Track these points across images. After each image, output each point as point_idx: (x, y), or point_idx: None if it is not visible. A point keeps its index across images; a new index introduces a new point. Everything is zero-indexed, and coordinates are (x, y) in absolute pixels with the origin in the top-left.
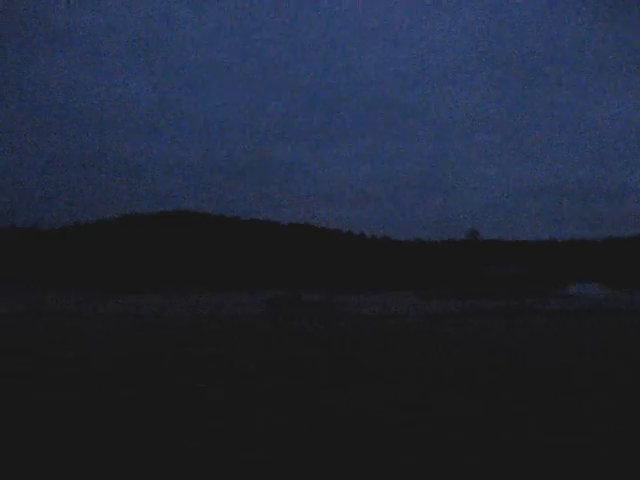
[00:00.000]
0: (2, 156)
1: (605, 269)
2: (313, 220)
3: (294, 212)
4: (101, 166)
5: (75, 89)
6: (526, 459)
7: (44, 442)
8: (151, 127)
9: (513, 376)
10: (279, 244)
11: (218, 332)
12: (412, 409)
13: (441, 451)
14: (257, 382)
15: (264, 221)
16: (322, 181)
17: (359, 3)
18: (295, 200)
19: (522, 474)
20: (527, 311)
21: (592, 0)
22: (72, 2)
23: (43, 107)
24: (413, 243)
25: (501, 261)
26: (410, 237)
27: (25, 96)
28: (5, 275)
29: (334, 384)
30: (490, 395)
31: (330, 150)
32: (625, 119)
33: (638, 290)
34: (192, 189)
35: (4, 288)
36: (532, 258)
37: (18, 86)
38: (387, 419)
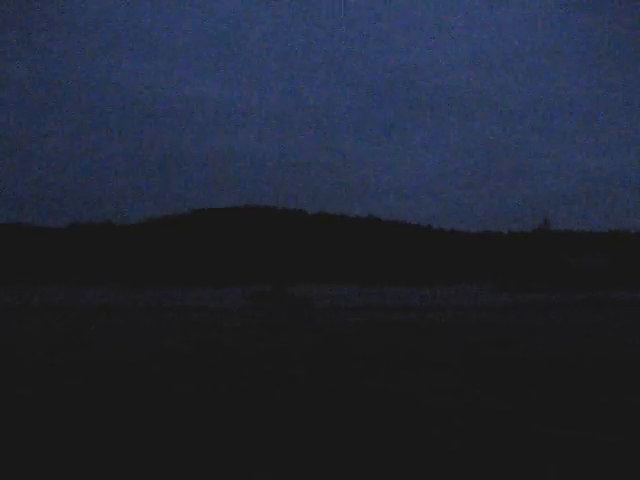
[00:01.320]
0: (81, 155)
1: None
2: (380, 213)
3: (362, 205)
4: (174, 162)
5: (150, 88)
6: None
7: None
8: (223, 124)
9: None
10: (347, 237)
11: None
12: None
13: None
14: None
15: (332, 215)
16: (388, 173)
17: None
18: (362, 193)
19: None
20: (611, 303)
21: None
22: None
23: (119, 106)
24: (482, 235)
25: (576, 252)
26: (479, 228)
27: (104, 96)
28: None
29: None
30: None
31: (396, 142)
32: None
33: None
34: (263, 184)
35: (87, 282)
36: (608, 249)
37: (102, 87)
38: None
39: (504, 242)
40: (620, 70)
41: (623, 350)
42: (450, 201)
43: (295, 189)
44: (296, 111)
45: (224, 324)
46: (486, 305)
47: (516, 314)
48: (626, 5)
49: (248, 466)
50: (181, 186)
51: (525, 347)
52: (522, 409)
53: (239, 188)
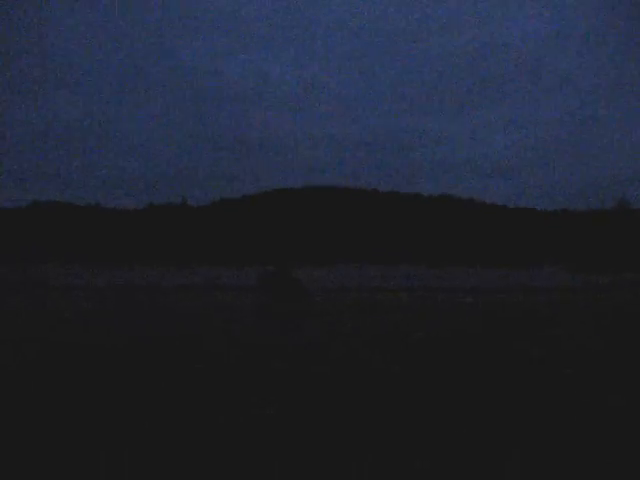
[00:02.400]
0: (155, 138)
1: None
2: (454, 191)
3: (435, 184)
4: (246, 143)
5: (220, 70)
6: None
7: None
8: (294, 103)
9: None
10: (419, 217)
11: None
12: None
13: None
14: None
15: (404, 194)
16: (462, 151)
17: None
18: (435, 171)
19: None
20: None
21: None
22: None
23: (188, 88)
24: (558, 213)
25: None
26: (555, 207)
27: (174, 79)
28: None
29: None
30: None
31: (468, 119)
32: None
33: None
34: (336, 163)
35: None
36: None
37: (170, 70)
38: None
39: (581, 221)
40: None
41: None
42: (525, 179)
43: (367, 168)
44: (367, 90)
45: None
46: (558, 286)
47: (585, 295)
48: None
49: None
50: (254, 167)
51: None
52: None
53: (311, 168)
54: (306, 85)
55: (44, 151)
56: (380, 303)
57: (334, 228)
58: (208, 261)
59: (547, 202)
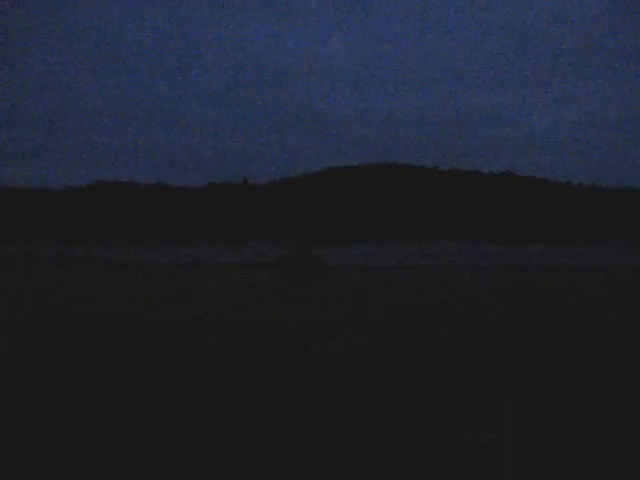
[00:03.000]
0: (217, 116)
1: None
2: (516, 169)
3: (495, 160)
4: (307, 120)
5: (280, 47)
6: None
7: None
8: (354, 81)
9: None
10: (480, 194)
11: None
12: None
13: None
14: None
15: (465, 171)
16: (524, 127)
17: None
18: (496, 148)
19: None
20: None
21: None
22: None
23: (248, 66)
24: (623, 191)
25: None
26: (621, 184)
27: (235, 56)
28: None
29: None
30: None
31: (532, 95)
32: None
33: None
34: (397, 141)
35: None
36: None
37: (231, 48)
38: None
39: None
40: None
41: None
42: (591, 156)
43: (429, 146)
44: (428, 66)
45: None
46: (611, 266)
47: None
48: None
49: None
50: (315, 144)
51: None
52: None
53: (373, 146)
54: (367, 62)
55: (107, 130)
56: (455, 280)
57: (393, 206)
58: (268, 238)
59: (614, 179)
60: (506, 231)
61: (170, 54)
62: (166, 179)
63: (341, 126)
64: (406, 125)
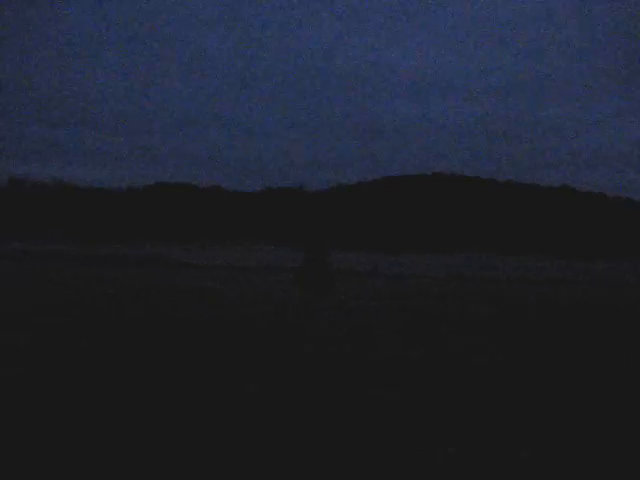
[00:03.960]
0: (273, 122)
1: None
2: (575, 183)
3: (554, 174)
4: (362, 129)
5: (338, 54)
6: None
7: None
8: (412, 90)
9: None
10: (536, 207)
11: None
12: None
13: None
14: None
15: (522, 184)
16: (584, 142)
17: None
18: (555, 162)
19: None
20: None
21: None
22: None
23: (309, 72)
24: None
25: None
26: None
27: (291, 62)
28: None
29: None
30: None
31: (593, 109)
32: None
33: None
34: (452, 151)
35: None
36: None
37: (286, 54)
38: None
39: None
40: None
41: None
42: None
43: (486, 157)
44: (489, 77)
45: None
46: None
47: None
48: None
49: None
50: (373, 153)
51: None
52: None
53: (429, 156)
54: (426, 70)
55: (166, 132)
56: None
57: (449, 217)
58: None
59: None
60: (563, 246)
61: (231, 58)
62: (224, 182)
63: (399, 135)
64: (464, 135)
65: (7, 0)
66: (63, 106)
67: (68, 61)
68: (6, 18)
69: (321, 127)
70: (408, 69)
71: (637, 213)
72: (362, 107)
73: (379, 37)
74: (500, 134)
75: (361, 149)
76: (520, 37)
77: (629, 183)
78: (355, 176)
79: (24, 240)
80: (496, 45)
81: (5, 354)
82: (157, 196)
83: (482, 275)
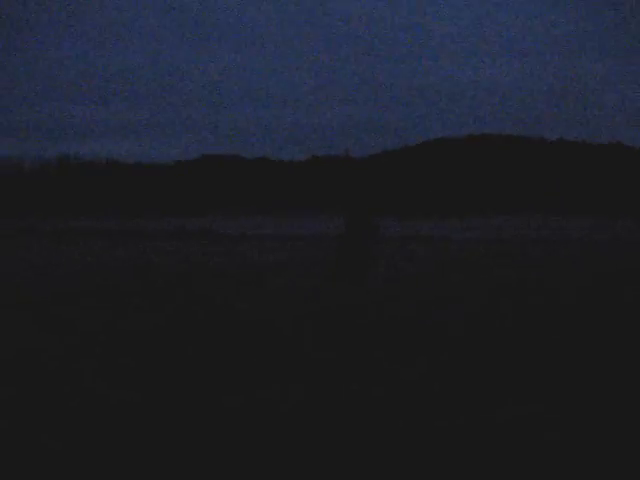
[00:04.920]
0: (317, 89)
1: None
2: (628, 140)
3: (608, 132)
4: (410, 92)
5: (379, 17)
6: None
7: None
8: (454, 53)
9: None
10: (589, 165)
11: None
12: None
13: None
14: None
15: (572, 141)
16: (636, 97)
17: None
18: (606, 119)
19: None
20: None
21: None
22: None
23: (351, 38)
24: None
25: None
26: None
27: (336, 27)
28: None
29: None
30: None
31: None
32: None
33: None
34: (500, 111)
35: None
36: None
37: (330, 19)
38: None
39: None
40: None
41: None
42: None
43: (536, 116)
44: (534, 36)
45: None
46: None
47: None
48: None
49: None
50: (418, 116)
51: None
52: None
53: (475, 117)
54: (468, 31)
55: (210, 103)
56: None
57: (495, 177)
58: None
59: None
60: (606, 204)
61: (268, 29)
62: (270, 153)
63: (444, 97)
64: (511, 95)
65: None
66: (100, 83)
67: (102, 40)
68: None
69: (362, 93)
70: (448, 31)
71: None
72: (404, 71)
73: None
74: (548, 93)
75: (406, 114)
76: None
77: None
78: (401, 141)
79: (80, 219)
80: (540, 4)
81: None
82: (205, 168)
83: (539, 236)
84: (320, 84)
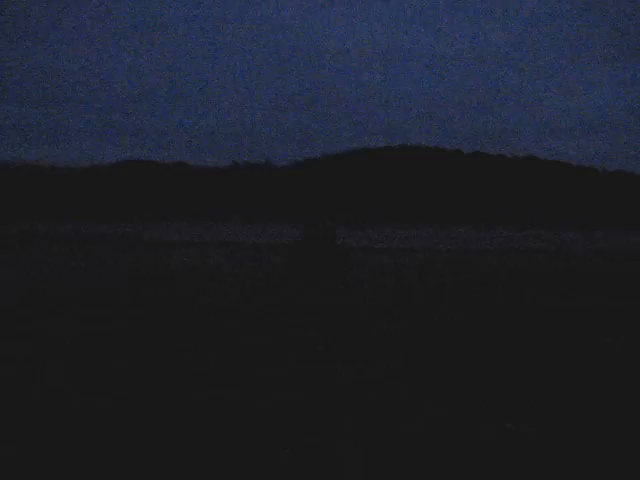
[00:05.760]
0: (240, 97)
1: None
2: (540, 153)
3: (516, 144)
4: (330, 102)
5: (306, 27)
6: None
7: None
8: (381, 63)
9: None
10: (503, 177)
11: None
12: None
13: None
14: None
15: (488, 154)
16: (547, 111)
17: None
18: (519, 131)
19: None
20: None
21: None
22: None
23: (277, 46)
24: None
25: None
26: None
27: (260, 35)
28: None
29: None
30: None
31: (556, 79)
32: None
33: None
34: (418, 123)
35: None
36: None
37: (255, 27)
38: None
39: None
40: None
41: None
42: (618, 141)
43: (452, 129)
44: (453, 49)
45: None
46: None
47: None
48: None
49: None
50: (340, 126)
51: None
52: None
53: (395, 128)
54: (392, 44)
55: (129, 109)
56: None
57: (415, 189)
58: (287, 219)
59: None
60: (531, 216)
61: (194, 33)
62: (190, 159)
63: (365, 108)
64: (429, 107)
65: None
66: (21, 85)
67: (27, 41)
68: None
69: (283, 101)
70: (373, 41)
71: (601, 182)
72: (331, 80)
73: (348, 10)
74: (466, 106)
75: (327, 123)
76: (486, 9)
77: (596, 152)
78: (321, 150)
79: None
80: (462, 17)
81: None
82: (123, 174)
83: (450, 247)
84: (243, 91)
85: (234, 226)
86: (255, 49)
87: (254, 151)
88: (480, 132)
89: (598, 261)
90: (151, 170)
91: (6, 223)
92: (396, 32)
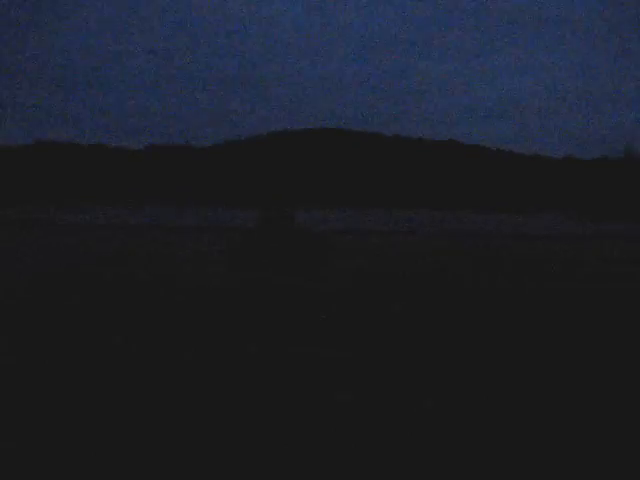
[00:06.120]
0: (157, 78)
1: None
2: (460, 137)
3: (439, 128)
4: (254, 83)
5: (228, 6)
6: None
7: None
8: (304, 46)
9: None
10: (423, 161)
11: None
12: None
13: None
14: None
15: (409, 138)
16: (471, 96)
17: None
18: (440, 116)
19: None
20: None
21: None
22: None
23: (191, 26)
24: (565, 160)
25: None
26: (562, 154)
27: (175, 13)
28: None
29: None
30: None
31: (481, 64)
32: None
33: None
34: (342, 107)
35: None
36: None
37: (171, 4)
38: None
39: (588, 169)
40: None
41: None
42: (533, 125)
43: (374, 112)
44: (375, 34)
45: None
46: (554, 234)
47: (583, 245)
48: None
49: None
50: (262, 108)
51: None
52: None
53: (316, 111)
54: (313, 28)
55: (45, 89)
56: (384, 247)
57: (335, 171)
58: (211, 202)
59: (553, 149)
60: (447, 199)
61: (108, 10)
62: (107, 140)
63: (286, 90)
64: (351, 91)
65: None
66: None
67: None
68: None
69: (208, 81)
70: (295, 25)
71: (516, 164)
72: (253, 61)
73: None
74: (388, 90)
75: (246, 105)
76: None
77: (513, 135)
78: (241, 132)
79: None
80: (384, 2)
81: None
82: (37, 155)
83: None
84: (160, 72)
85: (156, 210)
86: (175, 28)
87: (173, 133)
88: (402, 117)
89: (497, 242)
90: (67, 151)
91: None
92: (317, 17)
